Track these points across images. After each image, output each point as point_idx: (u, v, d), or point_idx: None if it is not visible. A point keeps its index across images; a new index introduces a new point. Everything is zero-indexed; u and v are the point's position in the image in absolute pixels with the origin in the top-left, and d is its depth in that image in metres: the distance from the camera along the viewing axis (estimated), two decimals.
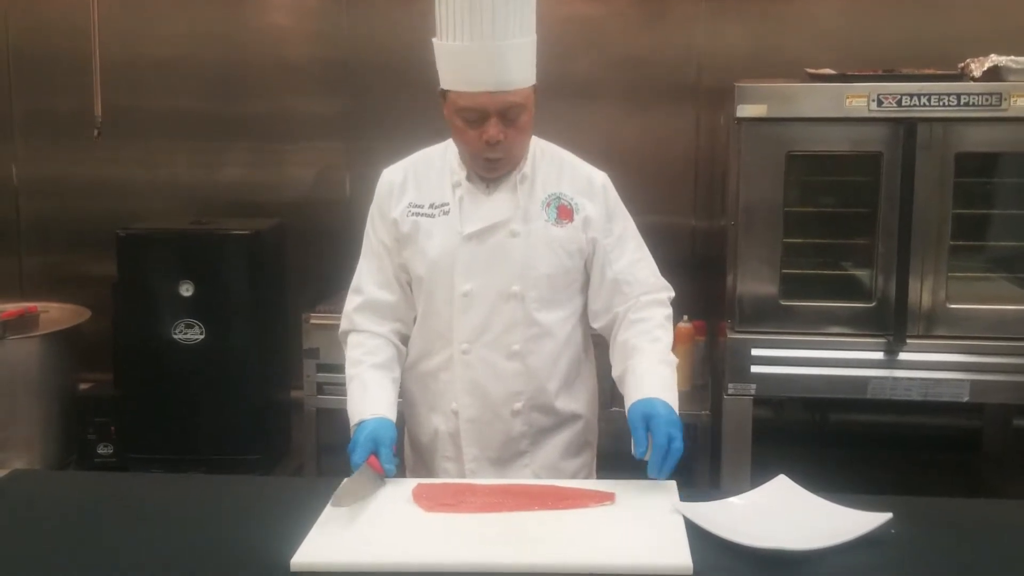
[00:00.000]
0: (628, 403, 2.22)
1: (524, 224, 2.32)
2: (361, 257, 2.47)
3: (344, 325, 2.48)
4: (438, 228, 2.34)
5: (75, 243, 4.67)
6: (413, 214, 2.36)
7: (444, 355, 2.40)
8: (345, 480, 2.08)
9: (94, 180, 4.63)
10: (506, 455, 2.40)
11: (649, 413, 2.14)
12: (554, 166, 2.38)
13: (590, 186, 2.37)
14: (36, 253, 4.75)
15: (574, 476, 2.44)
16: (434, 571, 1.81)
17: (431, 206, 2.35)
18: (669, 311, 2.42)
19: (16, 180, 4.71)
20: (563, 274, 2.36)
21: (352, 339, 2.45)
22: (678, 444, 2.09)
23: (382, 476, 2.14)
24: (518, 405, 2.38)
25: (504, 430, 2.39)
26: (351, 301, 2.47)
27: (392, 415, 2.30)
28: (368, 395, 2.32)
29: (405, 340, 2.47)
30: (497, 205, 2.32)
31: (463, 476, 2.38)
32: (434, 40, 2.22)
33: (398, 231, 2.37)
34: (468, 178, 2.33)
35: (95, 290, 4.44)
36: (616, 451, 2.66)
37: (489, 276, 2.32)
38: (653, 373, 2.26)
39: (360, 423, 2.24)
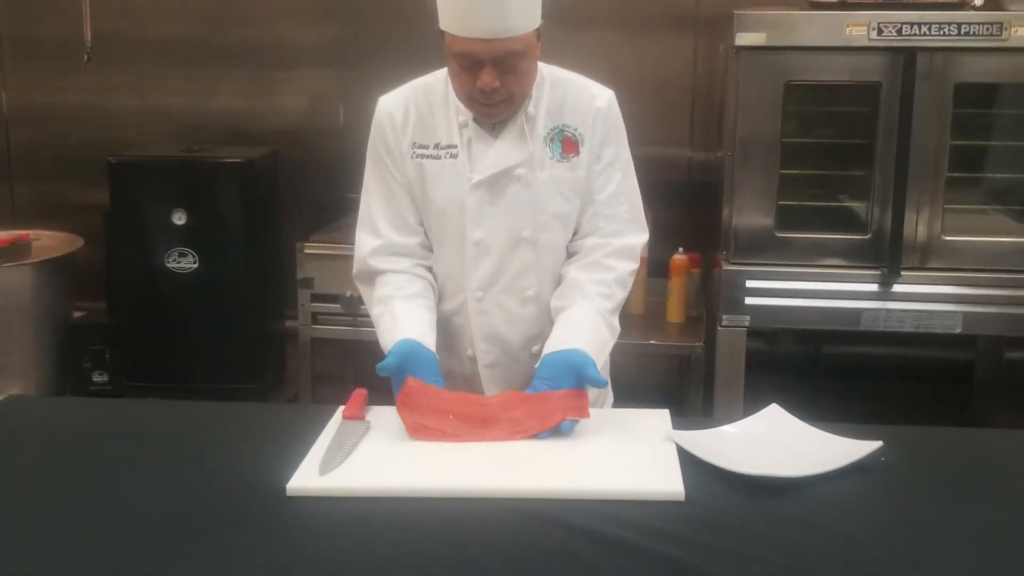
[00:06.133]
0: (556, 346, 2.16)
1: (529, 166, 2.24)
2: (367, 194, 2.34)
3: (359, 267, 2.34)
4: (445, 173, 2.25)
5: (67, 171, 4.64)
6: (418, 155, 2.27)
7: (457, 300, 2.34)
8: (328, 445, 1.99)
9: (85, 107, 4.60)
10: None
11: (579, 366, 2.09)
12: (557, 93, 2.27)
13: (592, 107, 2.26)
14: (27, 181, 4.72)
15: (592, 406, 2.36)
16: (427, 496, 1.82)
17: (436, 147, 2.26)
18: (635, 265, 2.34)
19: (6, 108, 4.67)
20: (572, 213, 2.29)
21: (376, 280, 2.31)
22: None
23: (367, 422, 2.09)
24: (536, 348, 2.32)
25: (524, 372, 2.34)
26: (365, 244, 2.32)
27: (424, 338, 2.17)
28: (397, 324, 2.19)
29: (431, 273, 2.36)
30: (505, 149, 2.23)
31: None
32: None
33: (405, 171, 2.29)
34: (475, 118, 2.23)
35: (88, 218, 4.43)
36: (627, 382, 2.68)
37: (499, 222, 2.26)
38: (594, 328, 2.21)
39: (388, 353, 2.13)
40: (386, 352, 2.17)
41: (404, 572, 1.59)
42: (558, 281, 2.33)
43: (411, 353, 2.13)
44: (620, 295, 2.31)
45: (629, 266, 2.33)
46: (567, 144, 2.26)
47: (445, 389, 2.16)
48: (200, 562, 1.62)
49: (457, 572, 1.59)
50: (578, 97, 2.28)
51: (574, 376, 2.09)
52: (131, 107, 4.58)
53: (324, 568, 1.61)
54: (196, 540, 1.69)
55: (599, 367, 2.18)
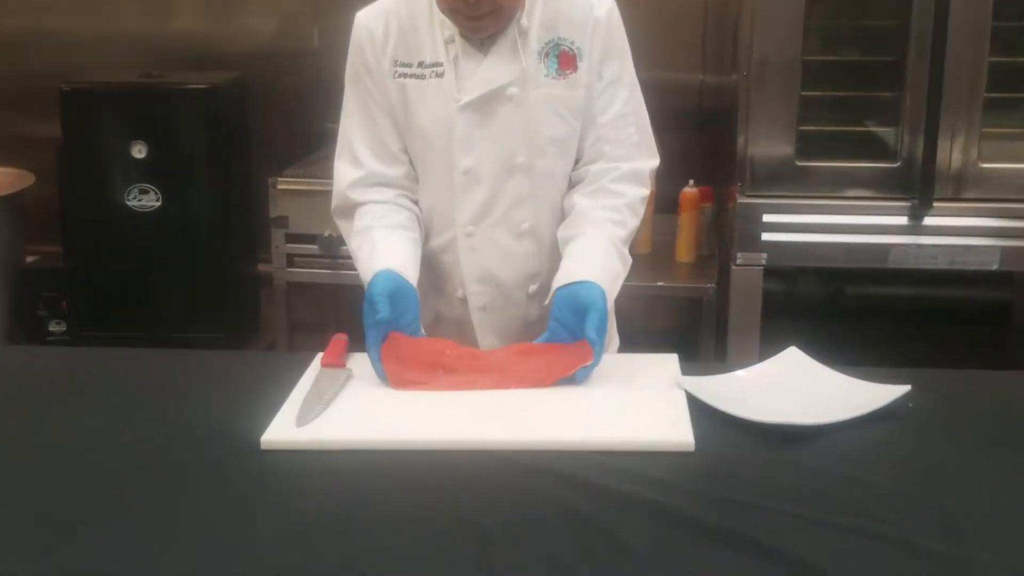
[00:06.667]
0: (567, 279, 2.14)
1: (522, 84, 2.21)
2: (346, 119, 2.32)
3: (338, 201, 2.34)
4: (431, 93, 2.22)
5: (14, 101, 4.61)
6: (400, 75, 2.23)
7: (446, 236, 2.32)
8: (305, 395, 2.01)
9: (33, 30, 4.57)
10: (525, 339, 2.26)
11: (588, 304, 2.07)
12: (551, 4, 2.22)
13: (590, 17, 2.22)
14: None
15: None
16: (414, 448, 1.83)
17: (420, 65, 2.23)
18: (646, 192, 2.32)
19: None
20: (571, 137, 2.27)
21: (356, 212, 2.29)
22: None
23: (348, 370, 2.10)
24: (533, 288, 2.33)
25: (520, 315, 2.35)
26: (345, 174, 2.31)
27: (406, 271, 2.14)
28: (376, 253, 2.17)
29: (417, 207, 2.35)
30: (496, 67, 2.20)
31: None
32: None
33: (387, 92, 2.26)
34: (462, 32, 2.19)
35: (39, 153, 4.40)
36: (633, 327, 2.69)
37: (490, 148, 2.23)
38: (606, 258, 2.19)
39: (375, 300, 2.08)
40: (364, 283, 2.15)
41: (388, 531, 1.60)
42: (556, 213, 2.31)
43: (396, 291, 2.10)
44: (632, 223, 2.30)
45: (640, 191, 2.31)
46: (564, 59, 2.22)
47: (430, 338, 2.16)
48: (170, 518, 1.63)
49: (447, 530, 1.59)
50: (575, 6, 2.24)
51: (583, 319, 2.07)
52: (84, 29, 4.54)
53: (302, 526, 1.61)
54: (166, 495, 1.70)
55: (610, 301, 2.17)
